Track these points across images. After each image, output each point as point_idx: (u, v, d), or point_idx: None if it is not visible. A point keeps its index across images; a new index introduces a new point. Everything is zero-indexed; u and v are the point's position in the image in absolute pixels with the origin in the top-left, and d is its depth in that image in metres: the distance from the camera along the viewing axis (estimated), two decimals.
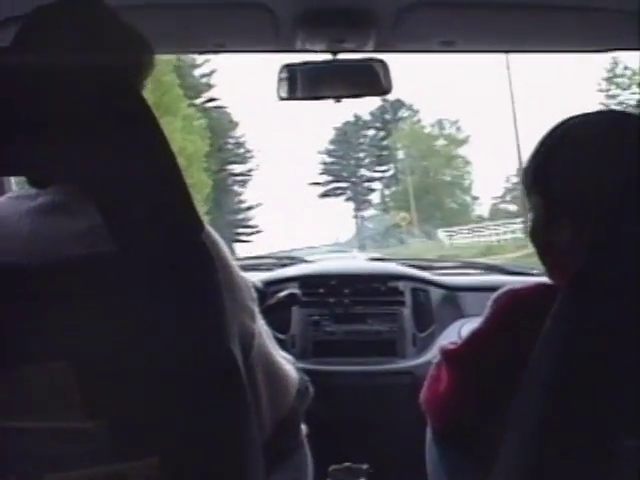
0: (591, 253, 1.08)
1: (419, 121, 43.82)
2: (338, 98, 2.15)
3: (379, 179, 44.94)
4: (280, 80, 2.10)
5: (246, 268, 2.76)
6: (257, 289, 2.20)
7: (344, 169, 45.17)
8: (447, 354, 1.50)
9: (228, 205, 36.39)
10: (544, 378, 1.13)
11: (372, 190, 45.76)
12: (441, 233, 35.00)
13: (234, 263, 1.29)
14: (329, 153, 45.50)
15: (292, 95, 2.12)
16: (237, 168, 40.76)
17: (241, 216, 39.00)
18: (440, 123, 42.35)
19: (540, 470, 1.11)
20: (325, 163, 45.41)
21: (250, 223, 39.58)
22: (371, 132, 45.61)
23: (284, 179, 60.95)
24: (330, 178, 45.24)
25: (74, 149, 1.02)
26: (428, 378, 1.59)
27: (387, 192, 44.84)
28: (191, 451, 1.06)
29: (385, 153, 44.72)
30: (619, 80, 33.19)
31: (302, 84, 2.11)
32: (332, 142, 45.38)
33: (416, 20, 1.94)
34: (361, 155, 45.46)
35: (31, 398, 1.03)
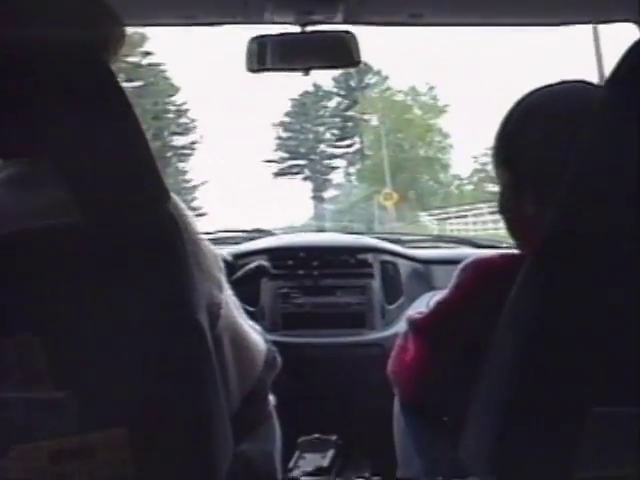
0: (555, 224, 1.11)
1: (388, 89, 36.77)
2: (307, 70, 2.16)
3: (341, 156, 39.66)
4: (249, 51, 2.11)
5: (215, 241, 2.76)
6: (226, 262, 2.20)
7: (302, 144, 39.00)
8: (414, 323, 1.51)
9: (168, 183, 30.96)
10: (511, 347, 1.15)
11: (333, 168, 39.17)
12: (425, 217, 28.58)
13: (201, 234, 1.30)
14: (285, 127, 39.12)
15: (261, 67, 2.13)
16: (178, 140, 34.27)
17: (184, 196, 32.35)
18: (414, 90, 35.43)
19: (509, 437, 1.14)
20: (280, 138, 39.08)
21: (193, 205, 32.76)
22: (332, 103, 38.98)
23: (233, 154, 52.09)
24: (286, 155, 39.01)
25: (42, 121, 1.03)
26: (395, 348, 1.61)
27: (352, 169, 38.80)
28: (159, 422, 1.09)
29: (350, 124, 38.48)
30: None
31: (272, 56, 2.12)
32: (288, 114, 38.86)
33: None
34: (321, 129, 39.23)
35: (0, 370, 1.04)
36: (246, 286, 2.38)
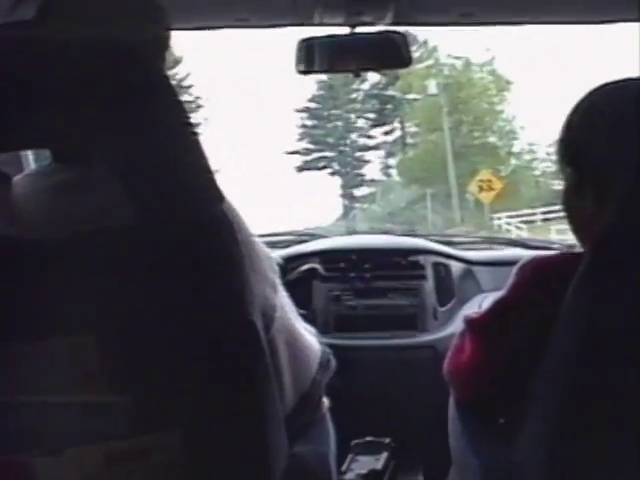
0: (612, 223, 1.11)
1: (437, 62, 30.25)
2: (357, 71, 2.17)
3: (376, 147, 33.87)
4: (298, 53, 2.13)
5: (265, 245, 2.78)
6: (278, 265, 2.22)
7: (329, 134, 34.18)
8: (471, 323, 1.52)
9: None
10: (567, 348, 1.15)
11: (366, 162, 33.93)
12: (504, 220, 22.30)
13: (255, 235, 1.31)
14: (310, 113, 34.19)
15: (310, 68, 2.15)
16: None
17: None
18: (467, 64, 29.81)
19: (565, 441, 1.14)
20: (305, 126, 34.36)
21: None
22: (365, 86, 33.23)
23: (248, 143, 42.92)
24: (311, 146, 34.28)
25: (95, 121, 1.05)
26: (452, 348, 1.61)
27: (391, 161, 33.23)
28: (213, 424, 1.10)
29: (389, 107, 32.98)
30: None
31: (320, 57, 2.14)
32: (314, 99, 33.97)
33: None
34: (352, 116, 34.41)
35: (54, 372, 1.06)
36: (298, 289, 2.40)
